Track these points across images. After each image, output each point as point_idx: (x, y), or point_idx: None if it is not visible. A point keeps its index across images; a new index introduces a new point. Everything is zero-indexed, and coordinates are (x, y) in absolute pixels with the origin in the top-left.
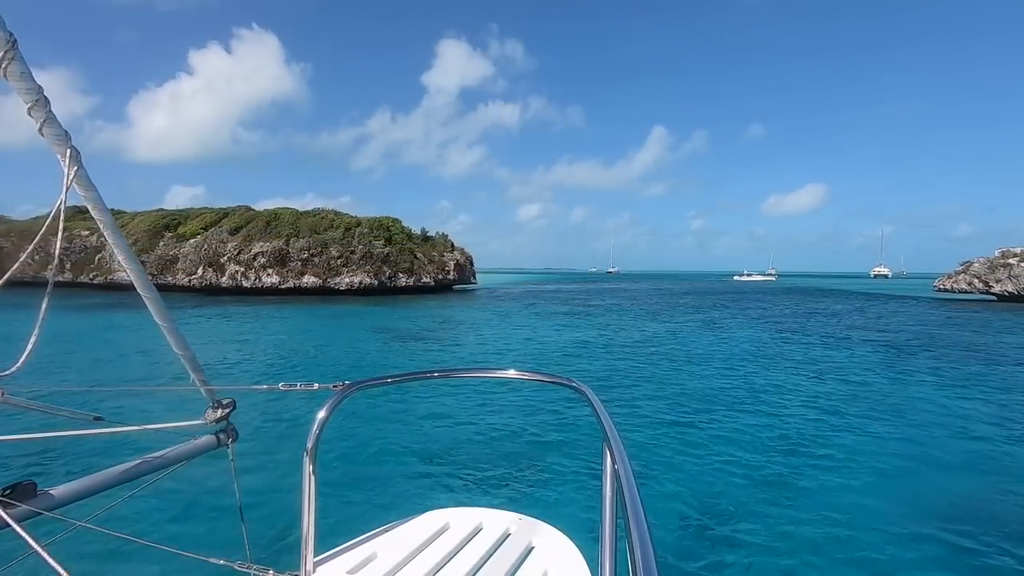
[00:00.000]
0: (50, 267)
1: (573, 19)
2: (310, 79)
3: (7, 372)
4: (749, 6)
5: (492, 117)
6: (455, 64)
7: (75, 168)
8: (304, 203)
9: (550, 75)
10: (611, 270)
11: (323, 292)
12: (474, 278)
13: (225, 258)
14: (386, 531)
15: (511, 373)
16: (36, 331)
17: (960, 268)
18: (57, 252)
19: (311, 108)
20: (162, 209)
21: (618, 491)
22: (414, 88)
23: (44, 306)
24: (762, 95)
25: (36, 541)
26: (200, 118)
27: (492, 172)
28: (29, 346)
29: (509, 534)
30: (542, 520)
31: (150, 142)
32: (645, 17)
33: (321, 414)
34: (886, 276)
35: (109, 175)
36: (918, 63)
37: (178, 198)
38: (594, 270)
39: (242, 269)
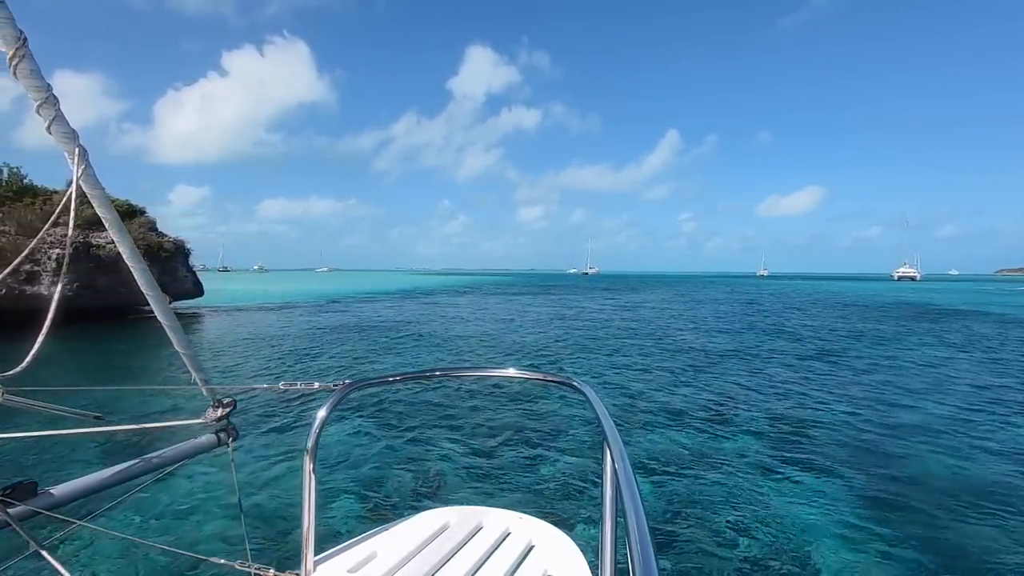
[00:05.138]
0: (63, 263)
1: (603, 35)
2: (343, 85)
3: (12, 372)
4: (782, 28)
5: (514, 121)
6: (484, 72)
7: (83, 166)
8: (307, 204)
9: (574, 84)
10: (589, 271)
11: None
12: (171, 288)
13: None
14: (386, 530)
15: (511, 372)
16: (44, 331)
17: None
18: (68, 249)
19: (337, 112)
20: None
21: (618, 490)
22: (441, 93)
23: (54, 304)
24: (775, 105)
25: (36, 540)
26: (224, 122)
27: (503, 174)
28: (36, 345)
29: (509, 533)
30: (542, 519)
31: (174, 144)
32: (680, 37)
33: (321, 413)
34: (913, 279)
35: (129, 175)
36: (923, 82)
37: (183, 199)
38: (573, 271)
39: None
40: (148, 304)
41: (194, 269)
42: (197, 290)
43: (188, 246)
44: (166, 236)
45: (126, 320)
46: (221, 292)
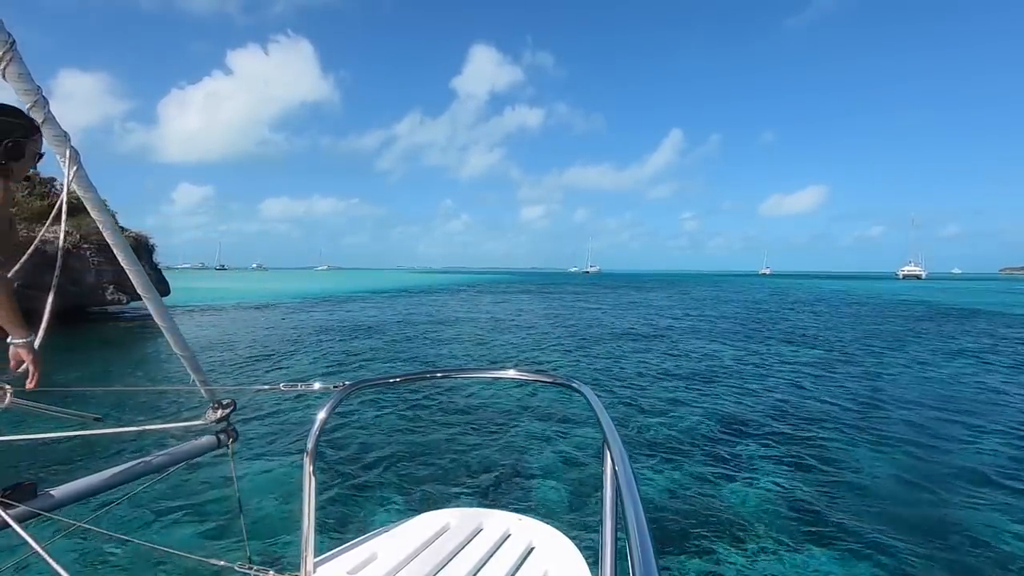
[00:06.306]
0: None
1: (607, 34)
2: (347, 85)
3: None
4: (787, 28)
5: (518, 121)
6: (488, 72)
7: (74, 168)
8: (310, 203)
9: (578, 84)
10: (590, 269)
11: None
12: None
13: None
14: (386, 531)
15: (512, 373)
16: (42, 329)
17: None
18: (60, 249)
19: (341, 111)
20: None
21: (618, 491)
22: (445, 93)
23: (49, 303)
24: (778, 105)
25: (36, 541)
26: (227, 121)
27: (506, 173)
28: (36, 342)
29: (509, 535)
30: (542, 520)
31: (177, 143)
32: (684, 36)
33: (321, 414)
34: (919, 277)
35: (132, 174)
36: (925, 80)
37: (185, 197)
38: (574, 270)
39: None
40: (105, 304)
41: (192, 267)
42: (162, 288)
43: (152, 241)
44: (127, 231)
45: (89, 321)
46: (200, 291)
